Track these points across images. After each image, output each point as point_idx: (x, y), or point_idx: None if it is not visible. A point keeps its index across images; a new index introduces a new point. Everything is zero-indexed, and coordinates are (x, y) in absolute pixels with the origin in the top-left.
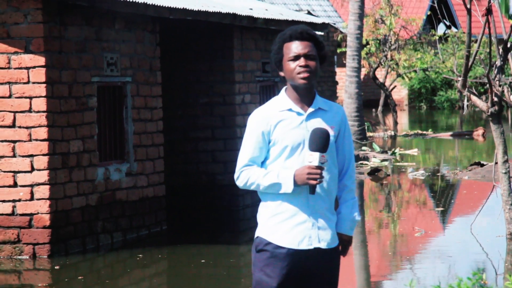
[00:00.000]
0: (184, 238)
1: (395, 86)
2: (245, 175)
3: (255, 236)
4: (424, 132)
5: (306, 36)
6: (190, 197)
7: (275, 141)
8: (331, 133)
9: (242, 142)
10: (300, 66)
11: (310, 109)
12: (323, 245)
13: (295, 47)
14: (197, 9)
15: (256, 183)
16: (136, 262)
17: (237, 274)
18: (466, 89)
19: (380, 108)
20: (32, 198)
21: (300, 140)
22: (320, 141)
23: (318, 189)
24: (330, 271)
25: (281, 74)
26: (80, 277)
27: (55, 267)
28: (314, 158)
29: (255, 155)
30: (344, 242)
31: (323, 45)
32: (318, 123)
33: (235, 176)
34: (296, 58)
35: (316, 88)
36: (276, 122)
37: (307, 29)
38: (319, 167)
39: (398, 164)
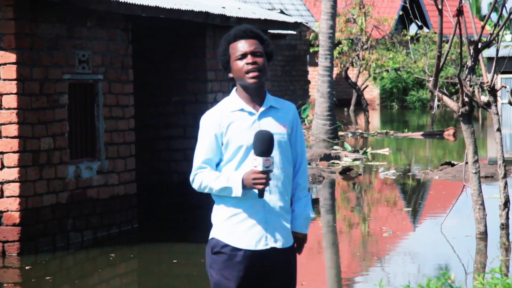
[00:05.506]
0: (155, 237)
1: (367, 86)
2: (199, 179)
3: (210, 237)
4: (390, 131)
5: (250, 34)
6: (162, 196)
7: (228, 142)
8: (284, 131)
9: (196, 144)
10: (248, 64)
11: (262, 108)
12: (279, 244)
13: (241, 46)
14: (169, 7)
15: (209, 186)
16: (107, 261)
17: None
18: (437, 89)
19: (352, 107)
20: (2, 196)
21: None
22: (263, 145)
23: (273, 188)
24: (287, 270)
25: (230, 75)
26: (49, 276)
27: (25, 265)
28: (258, 163)
29: (208, 157)
30: (299, 240)
31: (268, 42)
32: (270, 122)
33: (191, 179)
34: (243, 56)
35: (288, 88)
36: (228, 123)
37: (251, 28)
38: (264, 172)
39: (369, 163)
